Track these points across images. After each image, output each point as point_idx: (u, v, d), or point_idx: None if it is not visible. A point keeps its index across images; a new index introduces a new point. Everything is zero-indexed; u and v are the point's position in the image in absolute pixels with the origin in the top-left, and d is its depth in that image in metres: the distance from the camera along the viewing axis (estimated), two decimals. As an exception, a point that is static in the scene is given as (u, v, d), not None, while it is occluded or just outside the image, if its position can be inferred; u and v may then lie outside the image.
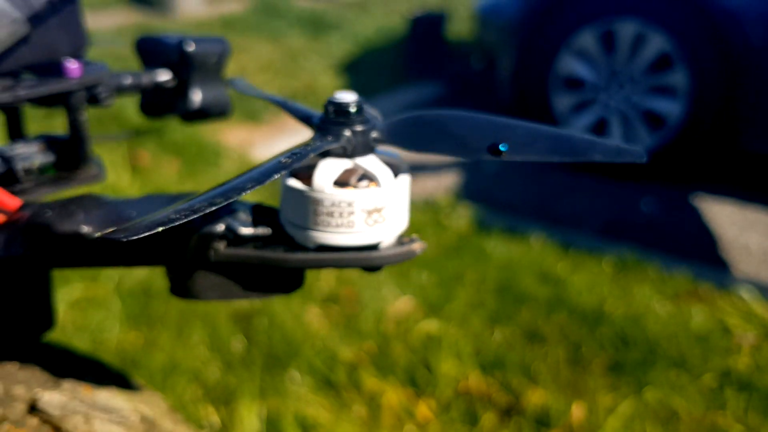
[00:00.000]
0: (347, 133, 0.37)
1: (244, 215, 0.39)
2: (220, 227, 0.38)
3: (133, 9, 4.49)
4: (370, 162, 0.37)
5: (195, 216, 0.30)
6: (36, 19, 0.41)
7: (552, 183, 2.28)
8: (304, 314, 1.40)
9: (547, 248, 1.73)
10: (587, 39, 2.29)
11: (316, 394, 1.19)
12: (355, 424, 1.13)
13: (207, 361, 1.25)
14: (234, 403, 1.15)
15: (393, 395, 1.20)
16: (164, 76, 0.51)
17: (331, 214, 0.36)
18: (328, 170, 0.36)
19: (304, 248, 0.38)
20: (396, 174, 0.38)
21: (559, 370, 1.28)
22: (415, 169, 2.36)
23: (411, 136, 0.38)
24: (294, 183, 0.37)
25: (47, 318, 0.47)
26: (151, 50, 0.52)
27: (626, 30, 2.22)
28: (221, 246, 0.38)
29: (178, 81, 0.52)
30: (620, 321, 1.41)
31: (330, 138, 0.37)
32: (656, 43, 2.19)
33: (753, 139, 2.14)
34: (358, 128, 0.37)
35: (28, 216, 0.39)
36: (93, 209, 0.39)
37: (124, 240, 0.28)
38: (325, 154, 0.37)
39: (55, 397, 0.42)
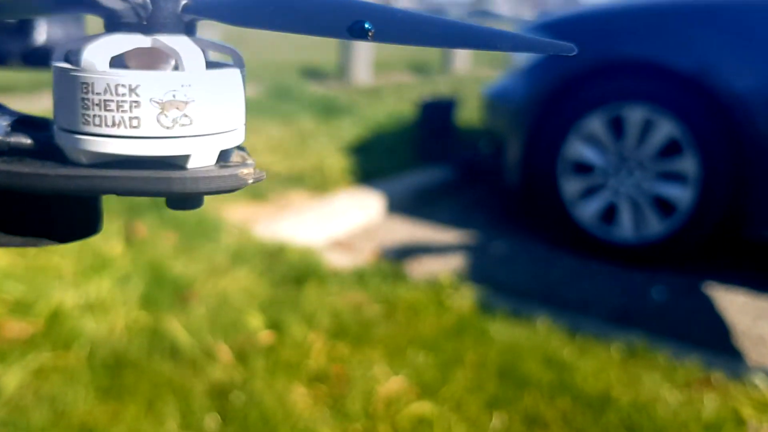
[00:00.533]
0: None
1: (3, 120, 0.29)
2: None
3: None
4: (177, 42, 0.27)
5: None
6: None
7: (560, 267, 2.21)
8: (288, 393, 1.31)
9: (553, 332, 1.65)
10: (595, 124, 2.27)
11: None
12: None
13: (177, 439, 1.16)
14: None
15: None
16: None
17: (106, 106, 0.26)
18: (106, 44, 0.26)
19: (76, 164, 0.27)
20: (212, 66, 0.28)
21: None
22: (419, 250, 2.31)
23: (237, 5, 0.27)
24: (62, 63, 0.27)
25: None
26: None
27: (635, 115, 2.20)
28: None
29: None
30: (627, 408, 1.32)
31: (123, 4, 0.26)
32: (665, 129, 2.16)
33: (764, 227, 2.08)
34: None
35: None
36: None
37: None
38: (113, 29, 0.27)
39: None
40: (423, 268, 2.12)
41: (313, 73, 5.86)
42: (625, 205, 2.25)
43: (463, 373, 1.44)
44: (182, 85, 0.26)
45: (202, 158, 0.27)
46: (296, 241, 2.14)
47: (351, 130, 3.80)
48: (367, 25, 0.25)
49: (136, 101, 0.25)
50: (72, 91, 0.26)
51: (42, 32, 0.40)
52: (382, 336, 1.56)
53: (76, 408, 1.20)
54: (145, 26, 0.26)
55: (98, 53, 0.26)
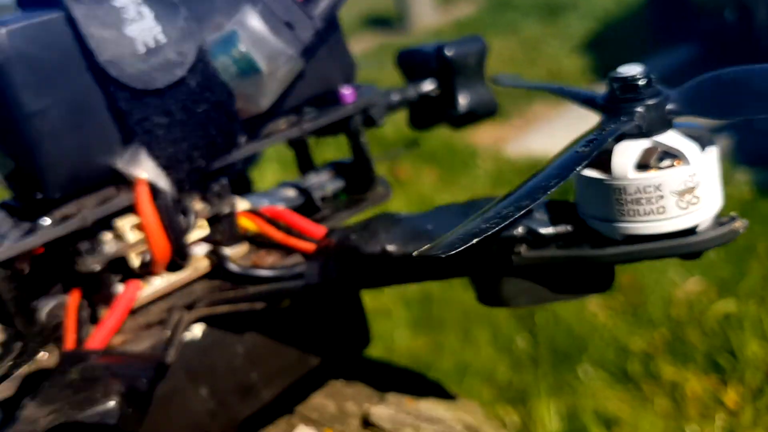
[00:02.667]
0: (639, 109, 0.33)
1: (539, 214, 0.37)
2: (519, 230, 0.36)
3: (373, 33, 4.71)
4: (670, 138, 0.33)
5: (505, 223, 0.28)
6: (307, 53, 0.43)
7: None
8: (586, 307, 1.35)
9: None
10: None
11: (612, 388, 1.14)
12: (660, 417, 1.07)
13: (495, 361, 1.25)
14: (529, 402, 1.14)
15: (696, 383, 1.12)
16: (428, 86, 0.52)
17: (637, 202, 0.33)
18: (626, 154, 0.33)
19: (611, 242, 0.35)
20: (703, 147, 0.34)
21: None
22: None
23: (713, 102, 0.33)
24: (591, 173, 0.34)
25: (364, 335, 0.49)
26: (412, 62, 0.53)
27: None
28: (523, 249, 0.37)
29: (442, 88, 0.51)
30: None
31: (622, 118, 0.33)
32: None
33: None
34: (651, 102, 0.33)
35: (335, 241, 0.40)
36: (391, 227, 0.39)
37: (443, 256, 0.28)
38: (619, 137, 0.34)
39: (383, 410, 0.43)
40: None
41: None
42: None
43: (759, 263, 1.38)
44: (690, 175, 0.32)
45: (705, 223, 0.34)
46: (549, 155, 2.14)
47: (580, 25, 3.64)
48: None
49: (660, 195, 0.33)
50: (607, 194, 0.34)
51: (465, 99, 0.51)
52: None
53: (401, 342, 1.33)
54: (644, 132, 0.33)
55: (623, 163, 0.33)
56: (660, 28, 3.14)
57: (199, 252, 0.43)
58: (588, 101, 0.37)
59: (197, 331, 0.42)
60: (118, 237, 0.39)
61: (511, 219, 0.29)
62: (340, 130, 0.48)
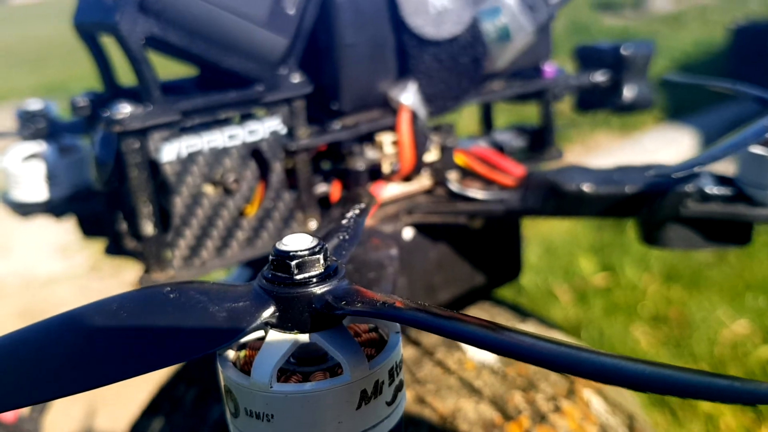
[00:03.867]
0: None
1: (706, 179, 0.48)
2: (691, 187, 0.48)
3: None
4: None
5: (721, 156, 0.40)
6: (537, 32, 0.55)
7: None
8: (629, 332, 1.44)
9: None
10: None
11: (648, 409, 1.22)
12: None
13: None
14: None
15: (731, 418, 1.19)
16: (601, 76, 0.63)
17: None
18: None
19: (762, 205, 0.46)
20: None
21: None
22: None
23: None
24: (759, 150, 0.46)
25: (517, 267, 0.61)
26: (589, 55, 0.65)
27: None
28: (690, 203, 0.48)
29: (612, 80, 0.63)
30: None
31: None
32: None
33: None
34: None
35: (536, 178, 0.53)
36: (585, 173, 0.52)
37: (673, 176, 0.39)
38: None
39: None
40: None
41: (606, 5, 5.73)
42: None
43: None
44: None
45: None
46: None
47: (655, 64, 3.71)
48: None
49: None
50: (765, 165, 0.44)
51: (630, 92, 0.62)
52: (716, 279, 1.60)
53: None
54: None
55: None
56: (739, 76, 3.21)
57: (425, 172, 0.55)
58: (759, 99, 0.48)
59: (408, 232, 0.54)
60: (379, 148, 0.52)
61: (719, 159, 0.40)
62: (535, 97, 0.60)
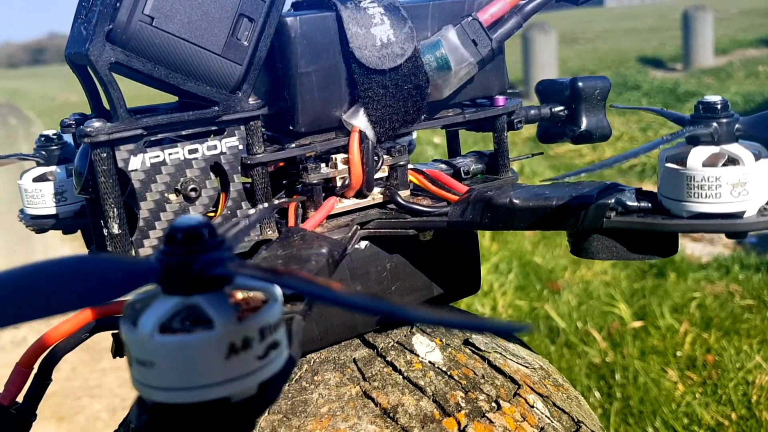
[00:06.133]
0: (714, 124, 0.48)
1: (628, 193, 0.52)
2: (611, 200, 0.51)
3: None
4: (734, 147, 0.48)
5: (625, 160, 0.45)
6: (481, 63, 0.60)
7: None
8: (662, 377, 1.44)
9: None
10: None
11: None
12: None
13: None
14: None
15: None
16: (559, 107, 0.68)
17: (701, 188, 0.46)
18: (699, 154, 0.47)
19: (677, 217, 0.49)
20: (757, 158, 0.48)
21: None
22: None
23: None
24: (672, 165, 0.49)
25: (476, 281, 0.65)
26: (548, 89, 0.69)
27: None
28: (612, 215, 0.51)
29: (570, 111, 0.68)
30: None
31: (699, 126, 0.48)
32: None
33: None
34: (723, 120, 0.48)
35: (475, 193, 0.57)
36: (518, 189, 0.56)
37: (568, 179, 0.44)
38: (696, 143, 0.48)
39: (481, 336, 0.60)
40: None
41: (651, 61, 5.75)
42: None
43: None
44: (743, 173, 0.46)
45: (751, 211, 0.47)
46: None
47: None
48: None
49: (719, 184, 0.46)
50: (680, 180, 0.48)
51: (584, 122, 0.66)
52: (751, 327, 1.60)
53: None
54: (715, 141, 0.48)
55: (696, 159, 0.47)
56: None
57: (378, 188, 0.61)
58: (678, 120, 0.52)
59: (362, 244, 0.59)
60: (332, 165, 0.57)
61: (622, 161, 0.44)
62: (488, 126, 0.65)
